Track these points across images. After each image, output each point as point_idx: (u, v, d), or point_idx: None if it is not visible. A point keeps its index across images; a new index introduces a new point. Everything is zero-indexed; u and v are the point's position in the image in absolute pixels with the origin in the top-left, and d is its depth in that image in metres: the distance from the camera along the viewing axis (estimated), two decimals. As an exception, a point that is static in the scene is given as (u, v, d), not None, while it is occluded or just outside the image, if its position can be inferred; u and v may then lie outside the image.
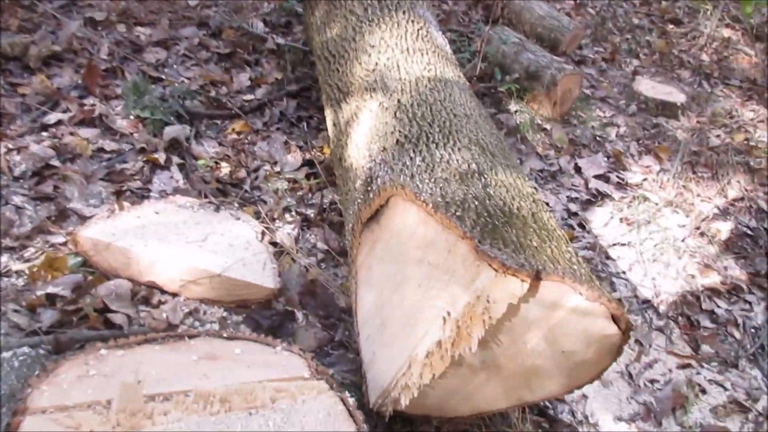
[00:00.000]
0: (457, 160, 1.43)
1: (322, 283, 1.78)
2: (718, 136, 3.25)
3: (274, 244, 1.87)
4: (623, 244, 2.46)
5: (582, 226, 2.49)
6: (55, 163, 2.03)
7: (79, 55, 2.58)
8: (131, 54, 2.67)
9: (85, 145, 2.14)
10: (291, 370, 1.25)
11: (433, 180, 1.35)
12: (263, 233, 1.82)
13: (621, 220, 2.57)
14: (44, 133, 2.17)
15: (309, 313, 1.72)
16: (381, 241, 1.43)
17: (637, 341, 2.09)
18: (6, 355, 1.32)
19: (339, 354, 1.64)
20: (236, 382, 1.19)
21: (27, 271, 1.56)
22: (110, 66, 2.55)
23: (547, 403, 1.76)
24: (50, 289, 1.52)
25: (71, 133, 2.19)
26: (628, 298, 2.23)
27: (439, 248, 1.22)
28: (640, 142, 3.07)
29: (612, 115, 3.24)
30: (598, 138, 3.02)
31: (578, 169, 2.80)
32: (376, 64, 1.81)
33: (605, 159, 2.90)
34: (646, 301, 2.24)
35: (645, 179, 2.84)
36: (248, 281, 1.63)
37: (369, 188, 1.49)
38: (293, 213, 2.04)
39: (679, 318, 2.23)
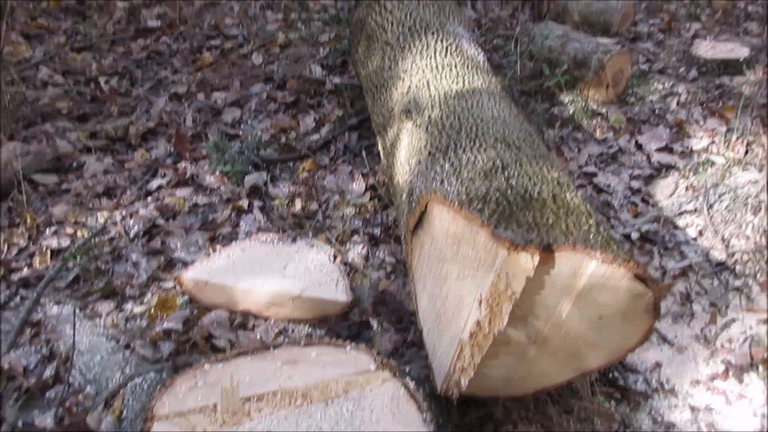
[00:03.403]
0: (482, 160, 1.59)
1: (392, 292, 1.98)
2: (791, 83, 3.13)
3: (346, 264, 2.10)
4: (691, 212, 2.46)
5: (645, 200, 2.52)
6: (160, 221, 2.39)
7: (170, 127, 2.99)
8: (211, 118, 3.05)
9: (182, 202, 2.50)
10: (359, 364, 1.46)
11: (459, 181, 1.52)
12: (335, 256, 2.05)
13: (687, 188, 2.57)
14: (149, 198, 2.55)
15: (383, 320, 1.92)
16: (426, 244, 1.61)
17: (712, 304, 2.11)
18: (138, 380, 1.62)
19: (412, 353, 1.82)
20: (314, 380, 1.41)
21: (147, 313, 1.89)
22: (195, 131, 2.93)
23: (617, 374, 1.84)
24: (166, 326, 1.83)
25: (170, 195, 2.56)
26: (699, 264, 2.24)
27: (467, 240, 1.39)
28: (704, 105, 3.04)
29: (672, 84, 3.22)
30: (657, 111, 3.02)
31: (639, 146, 2.82)
32: (409, 87, 2.01)
33: (667, 130, 2.90)
34: (720, 264, 2.25)
35: (712, 142, 2.81)
36: (324, 298, 1.86)
37: (411, 199, 1.68)
38: (361, 234, 2.27)
39: (758, 275, 2.21)
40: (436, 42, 2.19)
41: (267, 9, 3.88)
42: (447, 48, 2.16)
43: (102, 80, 3.15)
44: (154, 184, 2.61)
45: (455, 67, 2.04)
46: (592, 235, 1.35)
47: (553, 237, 1.28)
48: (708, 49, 3.30)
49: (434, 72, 2.01)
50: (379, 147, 2.24)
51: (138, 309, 1.93)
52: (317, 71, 3.29)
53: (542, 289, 1.33)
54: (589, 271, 1.29)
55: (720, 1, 4.02)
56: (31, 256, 2.28)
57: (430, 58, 2.10)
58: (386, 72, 2.21)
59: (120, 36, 3.54)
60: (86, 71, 3.25)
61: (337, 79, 3.20)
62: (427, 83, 1.98)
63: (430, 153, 1.70)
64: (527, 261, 1.23)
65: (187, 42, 3.53)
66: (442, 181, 1.56)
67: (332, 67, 3.38)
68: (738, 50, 3.26)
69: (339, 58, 3.42)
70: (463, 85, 1.95)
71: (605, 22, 3.60)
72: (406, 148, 1.85)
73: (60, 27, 3.63)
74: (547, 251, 1.25)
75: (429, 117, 1.84)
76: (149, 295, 2.01)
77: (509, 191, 1.45)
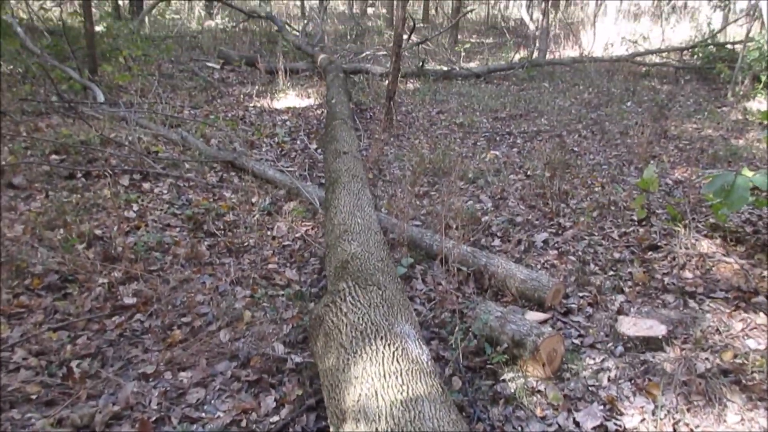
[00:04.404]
0: (423, 482, 1.79)
1: None
2: (706, 359, 3.50)
3: None
4: (630, 497, 2.61)
5: (586, 487, 2.68)
6: None
7: (135, 410, 3.11)
8: (176, 398, 3.20)
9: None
10: None
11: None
12: None
13: (624, 471, 2.75)
14: (107, 494, 2.60)
15: None
16: None
17: None
18: None
19: None
20: None
21: None
22: (159, 415, 3.07)
23: None
24: None
25: (129, 489, 2.61)
26: None
27: None
28: (632, 381, 3.35)
29: (602, 360, 3.56)
30: (590, 387, 3.31)
31: (577, 424, 3.05)
32: (359, 395, 2.27)
33: (601, 407, 3.15)
34: None
35: (642, 419, 3.06)
36: None
37: None
38: None
39: None
40: (384, 347, 2.50)
41: (236, 284, 4.27)
42: (394, 353, 2.47)
43: (74, 363, 3.34)
44: (114, 479, 2.68)
45: (401, 374, 2.33)
46: None
47: None
48: (630, 326, 3.72)
49: (382, 381, 2.29)
50: (334, 443, 2.42)
51: None
52: (279, 349, 3.56)
53: None
54: None
55: (639, 275, 4.59)
56: None
57: (379, 364, 2.39)
58: (340, 374, 2.48)
59: (96, 314, 3.82)
60: (60, 352, 3.45)
61: (298, 359, 3.45)
62: (376, 393, 2.23)
63: (376, 473, 1.89)
64: None
65: (160, 319, 3.81)
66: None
67: (294, 343, 3.65)
68: (656, 328, 3.67)
69: (301, 335, 3.72)
70: (407, 395, 2.21)
71: (539, 297, 4.06)
72: (356, 459, 2.04)
73: (40, 304, 3.90)
74: None
75: (376, 430, 2.06)
76: None
77: None
